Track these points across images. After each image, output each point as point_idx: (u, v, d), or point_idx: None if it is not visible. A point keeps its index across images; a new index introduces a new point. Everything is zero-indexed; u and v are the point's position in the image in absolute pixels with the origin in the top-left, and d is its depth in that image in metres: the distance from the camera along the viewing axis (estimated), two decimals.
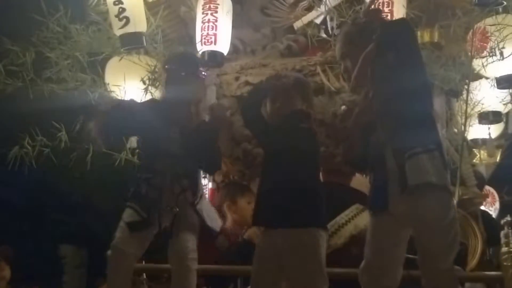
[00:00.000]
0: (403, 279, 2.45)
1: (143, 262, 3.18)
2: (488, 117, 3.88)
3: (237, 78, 3.86)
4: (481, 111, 3.78)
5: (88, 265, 8.39)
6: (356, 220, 3.36)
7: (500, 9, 3.17)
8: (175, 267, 2.83)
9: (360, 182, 3.47)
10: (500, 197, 3.85)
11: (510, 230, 3.27)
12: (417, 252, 2.39)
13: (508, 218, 3.29)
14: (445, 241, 2.32)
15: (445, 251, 2.33)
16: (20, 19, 4.08)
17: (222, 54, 3.66)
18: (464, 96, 3.54)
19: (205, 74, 3.05)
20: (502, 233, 3.29)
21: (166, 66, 2.96)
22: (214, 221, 2.92)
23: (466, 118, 3.39)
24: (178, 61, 2.98)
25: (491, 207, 5.01)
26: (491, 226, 3.93)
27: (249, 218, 3.64)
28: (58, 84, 4.05)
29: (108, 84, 3.97)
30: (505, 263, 3.17)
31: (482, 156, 4.57)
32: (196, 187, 2.85)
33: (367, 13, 2.46)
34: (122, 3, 3.50)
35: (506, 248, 3.23)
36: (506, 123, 4.10)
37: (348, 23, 2.60)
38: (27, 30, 4.05)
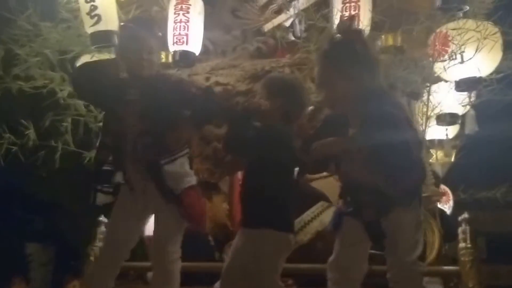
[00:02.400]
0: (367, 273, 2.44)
1: None
2: (446, 119, 3.91)
3: (207, 79, 3.77)
4: (439, 113, 3.80)
5: (55, 263, 8.15)
6: (322, 216, 3.35)
7: (461, 14, 3.17)
8: (155, 268, 2.64)
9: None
10: (456, 195, 3.87)
11: (467, 227, 3.29)
12: (385, 247, 2.37)
13: (466, 215, 3.32)
14: (413, 237, 2.33)
15: (412, 247, 2.33)
16: None
17: (193, 54, 3.59)
18: (424, 98, 3.53)
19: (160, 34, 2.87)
20: (459, 230, 3.32)
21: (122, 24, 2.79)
22: (175, 184, 2.56)
23: (426, 120, 3.38)
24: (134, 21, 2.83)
25: (446, 205, 5.07)
26: (446, 223, 3.97)
27: (221, 217, 3.59)
28: (26, 82, 3.88)
29: None
30: (462, 258, 3.19)
31: (437, 156, 4.61)
32: (161, 145, 2.56)
33: (346, 32, 2.31)
34: (93, 0, 3.39)
35: (464, 244, 3.26)
36: (462, 125, 4.13)
37: (325, 43, 2.42)
38: None
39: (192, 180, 2.63)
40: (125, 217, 2.64)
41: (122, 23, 2.80)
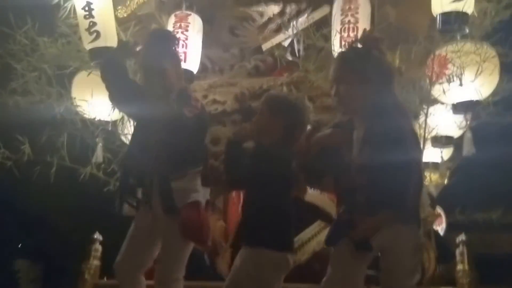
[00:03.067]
0: None
1: None
2: (441, 141, 3.90)
3: (205, 96, 3.77)
4: (435, 135, 3.79)
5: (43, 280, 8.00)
6: (319, 236, 3.32)
7: (458, 37, 3.17)
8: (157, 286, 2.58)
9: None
10: (452, 217, 3.85)
11: (464, 249, 3.26)
12: (381, 271, 2.33)
13: (463, 237, 3.29)
14: (411, 264, 2.29)
15: (410, 273, 2.29)
16: None
17: (191, 72, 3.56)
18: (421, 119, 3.52)
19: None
20: (457, 251, 3.28)
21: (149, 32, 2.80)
22: (182, 198, 2.52)
23: (424, 142, 3.35)
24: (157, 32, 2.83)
25: (439, 226, 5.05)
26: (441, 244, 3.95)
27: (215, 234, 3.54)
28: (23, 97, 3.82)
29: (75, 98, 3.79)
30: (460, 280, 3.16)
31: (432, 178, 4.60)
32: (174, 160, 2.51)
33: (366, 40, 2.36)
34: (93, 17, 3.36)
35: (461, 266, 3.22)
36: (457, 147, 4.11)
37: (346, 48, 2.54)
38: None
39: (198, 196, 2.57)
40: (141, 236, 2.60)
41: (149, 31, 2.79)
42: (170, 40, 2.71)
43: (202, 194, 2.60)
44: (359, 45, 2.36)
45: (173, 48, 2.69)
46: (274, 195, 2.44)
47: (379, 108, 2.22)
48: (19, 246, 7.89)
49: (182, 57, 3.49)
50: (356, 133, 2.32)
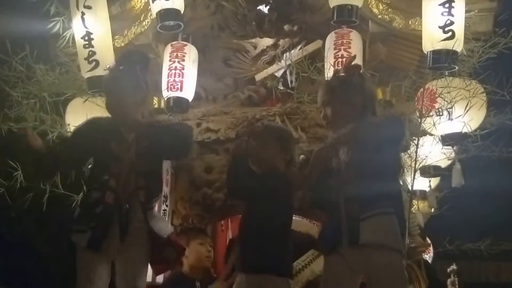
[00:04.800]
0: None
1: None
2: (429, 171, 3.97)
3: (198, 124, 3.82)
4: (424, 165, 3.86)
5: None
6: (312, 265, 3.36)
7: (446, 73, 3.28)
8: None
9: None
10: (440, 246, 3.91)
11: (455, 278, 3.31)
12: None
13: (454, 266, 3.34)
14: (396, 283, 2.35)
15: None
16: None
17: (187, 100, 3.63)
18: (410, 151, 3.60)
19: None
20: (448, 281, 3.33)
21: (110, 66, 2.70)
22: (161, 229, 2.57)
23: (414, 173, 3.43)
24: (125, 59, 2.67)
25: (426, 255, 5.10)
26: (431, 273, 4.00)
27: (203, 260, 3.55)
28: (17, 123, 3.82)
29: (69, 125, 3.79)
30: None
31: (419, 206, 4.67)
32: (151, 189, 2.55)
33: (348, 68, 2.58)
34: (92, 46, 3.40)
35: None
36: (444, 177, 4.19)
37: (331, 76, 2.73)
38: None
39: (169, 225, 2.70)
40: (96, 269, 2.54)
41: (109, 65, 2.71)
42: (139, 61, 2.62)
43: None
44: (342, 73, 2.57)
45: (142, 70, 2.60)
46: (274, 222, 2.49)
47: (360, 125, 2.41)
48: None
49: (178, 86, 3.58)
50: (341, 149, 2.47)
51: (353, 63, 2.72)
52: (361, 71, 2.63)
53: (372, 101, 2.51)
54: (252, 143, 2.61)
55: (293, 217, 2.71)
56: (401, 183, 2.70)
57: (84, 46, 3.38)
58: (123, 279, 2.54)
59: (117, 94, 2.57)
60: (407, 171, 3.54)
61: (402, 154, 3.65)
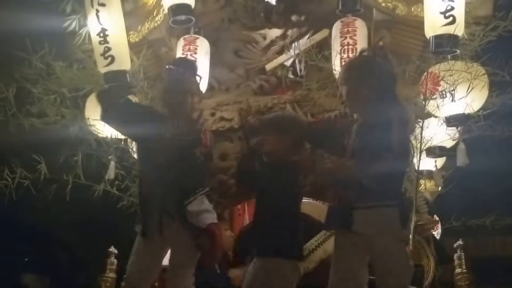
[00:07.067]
0: None
1: None
2: (435, 152, 4.07)
3: (212, 114, 3.92)
4: (429, 146, 3.97)
5: None
6: (325, 245, 3.44)
7: (449, 56, 3.37)
8: None
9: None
10: (447, 223, 4.03)
11: (462, 253, 3.43)
12: (376, 273, 2.49)
13: (460, 242, 3.46)
14: (402, 260, 2.43)
15: (403, 269, 2.43)
16: (3, 55, 4.00)
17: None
18: (416, 133, 3.70)
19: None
20: (455, 256, 3.45)
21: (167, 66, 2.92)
22: (200, 220, 2.70)
23: (420, 153, 3.54)
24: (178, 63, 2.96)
25: (434, 232, 5.21)
26: (439, 248, 4.11)
27: (226, 244, 3.68)
28: (38, 118, 3.97)
29: (88, 118, 3.93)
30: (459, 283, 3.32)
31: (426, 186, 4.77)
32: (192, 183, 2.71)
33: (374, 49, 2.64)
34: (107, 42, 3.49)
35: (460, 269, 3.38)
36: (449, 157, 4.28)
37: (356, 55, 2.79)
38: (9, 66, 3.97)
39: (213, 217, 2.77)
40: (145, 253, 2.75)
41: (167, 65, 2.91)
42: (194, 68, 2.90)
43: (215, 215, 2.79)
44: (366, 54, 2.61)
45: (196, 76, 2.87)
46: (284, 206, 2.61)
47: (375, 107, 2.45)
48: (26, 260, 7.93)
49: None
50: (355, 126, 2.54)
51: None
52: (386, 51, 2.63)
53: (392, 84, 2.51)
54: (260, 137, 2.72)
55: (306, 200, 2.81)
56: (407, 169, 2.74)
57: (100, 43, 3.47)
58: (170, 265, 2.76)
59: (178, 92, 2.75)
60: (414, 152, 3.65)
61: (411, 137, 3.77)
